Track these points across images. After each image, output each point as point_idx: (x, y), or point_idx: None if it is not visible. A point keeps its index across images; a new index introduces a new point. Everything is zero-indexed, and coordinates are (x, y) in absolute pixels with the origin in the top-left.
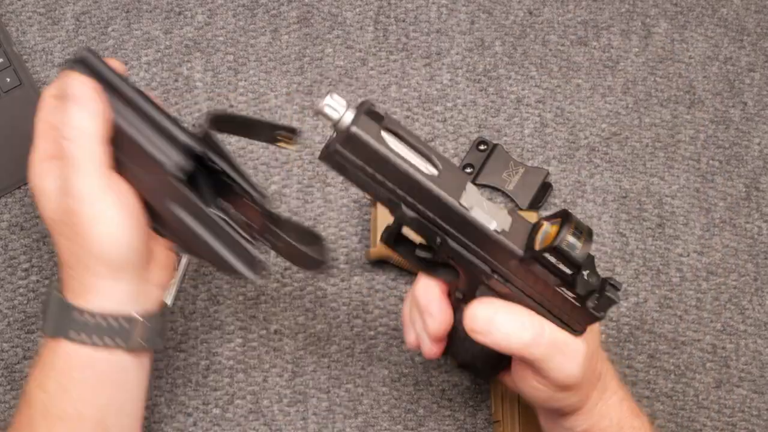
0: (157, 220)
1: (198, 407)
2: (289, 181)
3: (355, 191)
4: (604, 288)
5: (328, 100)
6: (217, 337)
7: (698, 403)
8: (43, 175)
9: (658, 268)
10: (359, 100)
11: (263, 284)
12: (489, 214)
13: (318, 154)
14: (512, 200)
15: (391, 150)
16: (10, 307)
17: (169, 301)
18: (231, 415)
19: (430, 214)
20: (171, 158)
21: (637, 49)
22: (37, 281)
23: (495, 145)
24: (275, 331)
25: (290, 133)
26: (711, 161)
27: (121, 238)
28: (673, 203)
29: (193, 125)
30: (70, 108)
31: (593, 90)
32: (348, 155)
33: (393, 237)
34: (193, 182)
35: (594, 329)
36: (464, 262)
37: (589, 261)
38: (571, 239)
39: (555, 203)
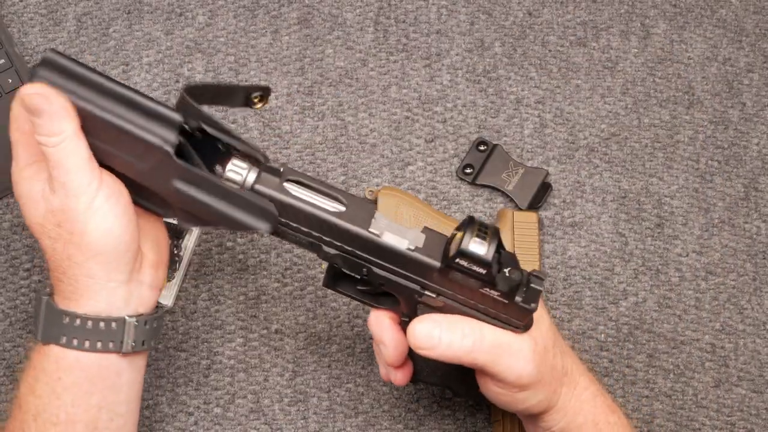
0: (157, 202)
1: (199, 406)
2: None
3: (355, 191)
4: (529, 281)
5: (230, 165)
6: (218, 337)
7: (697, 402)
8: (27, 180)
9: (658, 268)
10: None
11: (264, 284)
12: (399, 236)
13: (318, 154)
14: (512, 200)
15: (295, 197)
16: (12, 307)
17: (170, 301)
18: (232, 415)
19: (348, 248)
20: (164, 137)
21: (636, 50)
22: (39, 281)
23: (495, 146)
24: (276, 331)
25: (264, 92)
26: (710, 161)
27: (115, 230)
28: (672, 203)
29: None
30: (40, 120)
31: (592, 91)
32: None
33: (331, 278)
34: (183, 153)
35: (544, 325)
36: (393, 285)
37: (509, 258)
38: (476, 240)
39: (554, 203)
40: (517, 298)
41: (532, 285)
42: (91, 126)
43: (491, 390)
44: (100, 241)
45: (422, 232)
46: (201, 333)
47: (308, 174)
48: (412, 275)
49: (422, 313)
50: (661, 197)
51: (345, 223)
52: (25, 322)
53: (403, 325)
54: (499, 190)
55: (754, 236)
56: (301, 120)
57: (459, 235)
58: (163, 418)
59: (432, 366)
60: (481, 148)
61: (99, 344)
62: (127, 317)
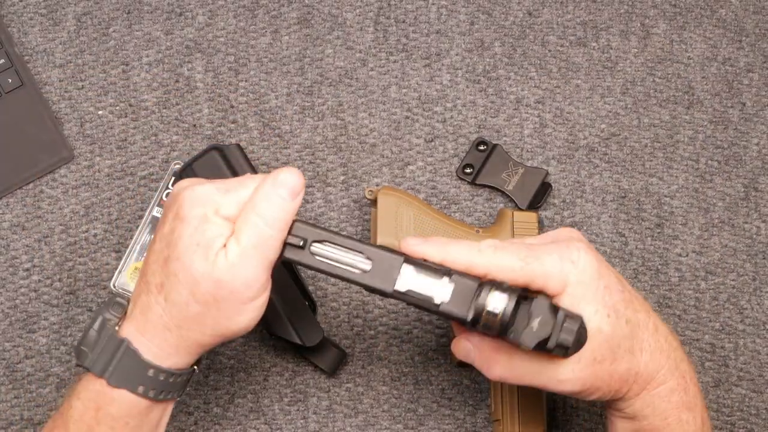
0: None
1: (199, 406)
2: None
3: (355, 191)
4: (560, 330)
5: None
6: None
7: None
8: (217, 226)
9: (657, 267)
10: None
11: None
12: (427, 288)
13: (318, 154)
14: (512, 200)
15: (323, 262)
16: (11, 307)
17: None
18: (232, 414)
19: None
20: None
21: (636, 50)
22: (39, 281)
23: (494, 146)
24: None
25: None
26: (710, 161)
27: (249, 328)
28: (672, 203)
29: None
30: (277, 190)
31: (592, 90)
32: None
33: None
34: None
35: (596, 339)
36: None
37: (540, 307)
38: (493, 296)
39: (554, 203)
40: (550, 345)
41: (561, 336)
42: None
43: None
44: (237, 333)
45: (450, 281)
46: None
47: (329, 230)
48: (442, 319)
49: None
50: (661, 197)
51: (372, 284)
52: (25, 322)
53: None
54: (499, 190)
55: (754, 236)
56: (301, 120)
57: (487, 295)
58: None
59: None
60: (481, 147)
61: (169, 394)
62: (196, 369)
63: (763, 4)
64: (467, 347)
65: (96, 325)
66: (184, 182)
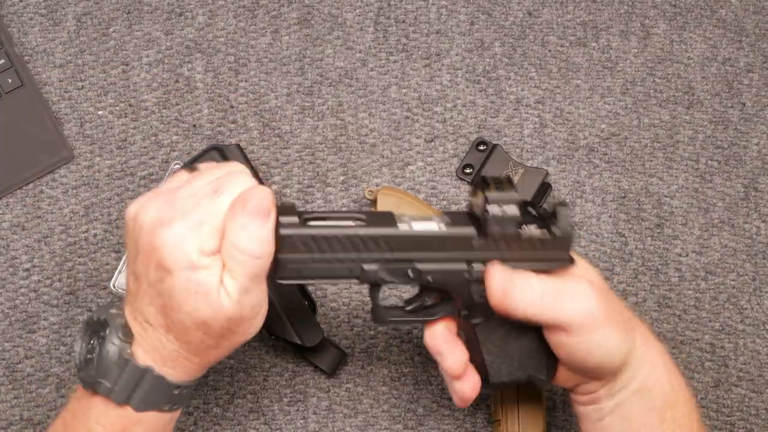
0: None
1: (199, 406)
2: (290, 181)
3: (355, 191)
4: (555, 211)
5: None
6: None
7: (697, 402)
8: (205, 270)
9: (657, 268)
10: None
11: None
12: (427, 223)
13: (318, 154)
14: None
15: (324, 228)
16: (11, 307)
17: None
18: (231, 414)
19: (387, 255)
20: None
21: (636, 50)
22: (38, 281)
23: (494, 146)
24: None
25: None
26: (710, 161)
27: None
28: (672, 203)
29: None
30: (251, 218)
31: (592, 91)
32: (293, 258)
33: (377, 312)
34: None
35: (593, 272)
36: (441, 274)
37: (526, 202)
38: (495, 188)
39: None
40: (554, 229)
41: (559, 211)
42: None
43: (566, 346)
44: (248, 341)
45: (441, 216)
46: None
47: (319, 211)
48: (454, 253)
49: (479, 298)
50: (660, 197)
51: (376, 229)
52: (25, 322)
53: (464, 320)
54: None
55: (754, 236)
56: (301, 120)
57: (477, 196)
58: None
59: (506, 350)
60: (481, 148)
61: (182, 406)
62: (202, 377)
63: (763, 4)
64: (499, 272)
65: (110, 355)
66: (135, 206)
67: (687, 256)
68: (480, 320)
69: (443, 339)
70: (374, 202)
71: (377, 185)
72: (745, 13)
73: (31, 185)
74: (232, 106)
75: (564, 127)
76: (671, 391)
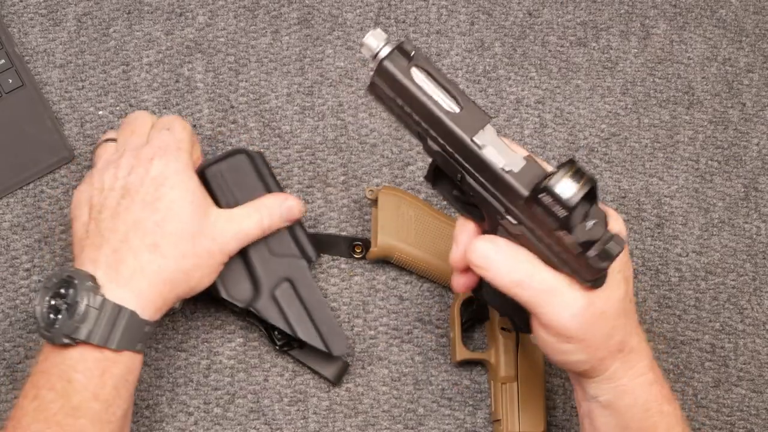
0: None
1: (199, 406)
2: (290, 181)
3: (355, 191)
4: (607, 241)
5: (371, 32)
6: (218, 337)
7: (697, 402)
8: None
9: (657, 267)
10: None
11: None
12: (501, 155)
13: (318, 155)
14: None
15: (417, 85)
16: (11, 307)
17: (178, 303)
18: (232, 415)
19: (450, 149)
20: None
21: (636, 50)
22: (39, 281)
23: None
24: None
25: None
26: (710, 162)
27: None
28: (672, 203)
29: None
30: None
31: (592, 91)
32: (383, 87)
33: (432, 174)
34: None
35: (616, 295)
36: (480, 199)
37: (598, 214)
38: (565, 181)
39: None
40: (590, 253)
41: (609, 245)
42: None
43: (535, 329)
44: (197, 292)
45: (525, 159)
46: (201, 333)
47: (436, 67)
48: (499, 195)
49: (501, 236)
50: (660, 197)
51: (453, 125)
52: (26, 322)
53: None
54: None
55: (754, 236)
56: (301, 120)
57: (555, 173)
58: (163, 418)
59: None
60: None
61: (148, 343)
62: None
63: (763, 4)
64: (485, 247)
65: (87, 302)
66: (135, 115)
67: (687, 256)
68: None
69: (467, 231)
70: (375, 201)
71: (377, 185)
72: (745, 13)
73: (31, 185)
74: (232, 106)
75: (564, 127)
76: (646, 420)
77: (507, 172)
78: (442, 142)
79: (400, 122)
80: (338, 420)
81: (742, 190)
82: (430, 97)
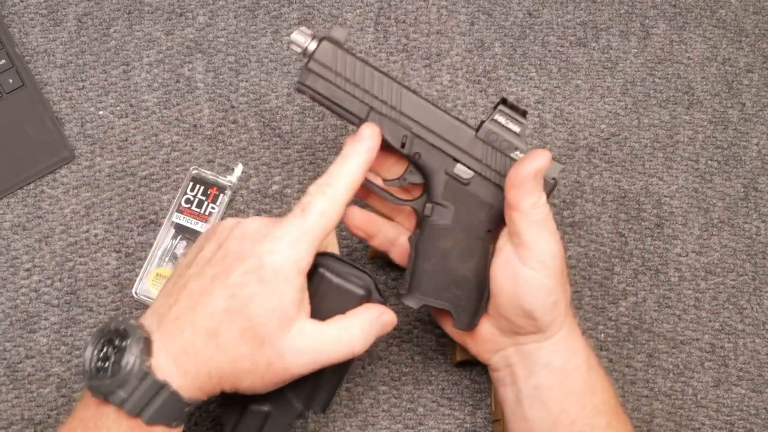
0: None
1: (199, 406)
2: (290, 181)
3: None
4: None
5: (297, 30)
6: None
7: (697, 402)
8: (295, 297)
9: (657, 267)
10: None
11: None
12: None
13: (318, 155)
14: None
15: (361, 58)
16: (12, 307)
17: None
18: None
19: (400, 109)
20: None
21: (635, 50)
22: (39, 281)
23: None
24: None
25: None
26: (709, 162)
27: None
28: (672, 203)
29: None
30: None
31: (592, 91)
32: (319, 73)
33: None
34: None
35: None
36: (429, 154)
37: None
38: (509, 105)
39: (554, 203)
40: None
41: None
42: None
43: (521, 274)
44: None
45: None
46: None
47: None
48: (450, 140)
49: (445, 192)
50: (660, 197)
51: (397, 81)
52: (26, 322)
53: (422, 220)
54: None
55: (754, 236)
56: (301, 120)
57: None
58: None
59: (435, 275)
60: None
61: (183, 423)
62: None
63: (763, 4)
64: None
65: (129, 366)
66: (234, 219)
67: (687, 256)
68: (433, 227)
69: (369, 222)
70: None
71: None
72: (745, 13)
73: (31, 185)
74: (232, 106)
75: (564, 127)
76: (590, 379)
77: (455, 117)
78: (391, 104)
79: (335, 108)
80: (338, 420)
81: (742, 190)
82: (377, 68)
